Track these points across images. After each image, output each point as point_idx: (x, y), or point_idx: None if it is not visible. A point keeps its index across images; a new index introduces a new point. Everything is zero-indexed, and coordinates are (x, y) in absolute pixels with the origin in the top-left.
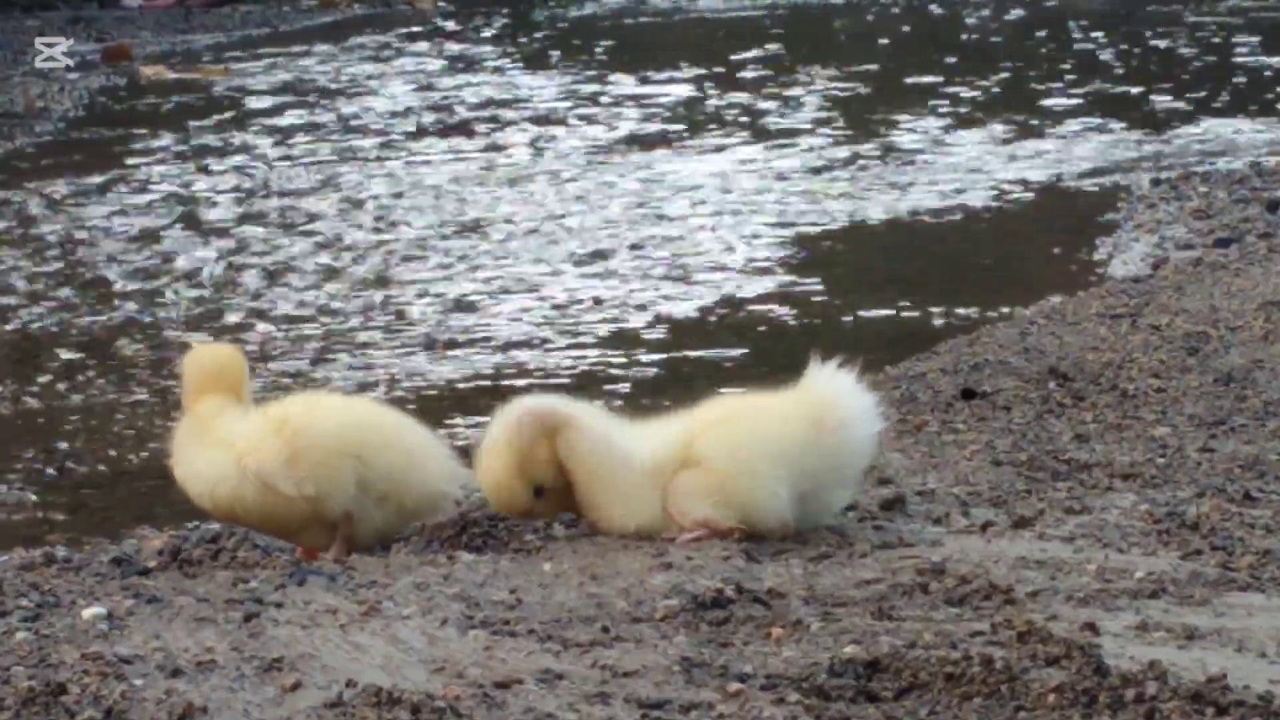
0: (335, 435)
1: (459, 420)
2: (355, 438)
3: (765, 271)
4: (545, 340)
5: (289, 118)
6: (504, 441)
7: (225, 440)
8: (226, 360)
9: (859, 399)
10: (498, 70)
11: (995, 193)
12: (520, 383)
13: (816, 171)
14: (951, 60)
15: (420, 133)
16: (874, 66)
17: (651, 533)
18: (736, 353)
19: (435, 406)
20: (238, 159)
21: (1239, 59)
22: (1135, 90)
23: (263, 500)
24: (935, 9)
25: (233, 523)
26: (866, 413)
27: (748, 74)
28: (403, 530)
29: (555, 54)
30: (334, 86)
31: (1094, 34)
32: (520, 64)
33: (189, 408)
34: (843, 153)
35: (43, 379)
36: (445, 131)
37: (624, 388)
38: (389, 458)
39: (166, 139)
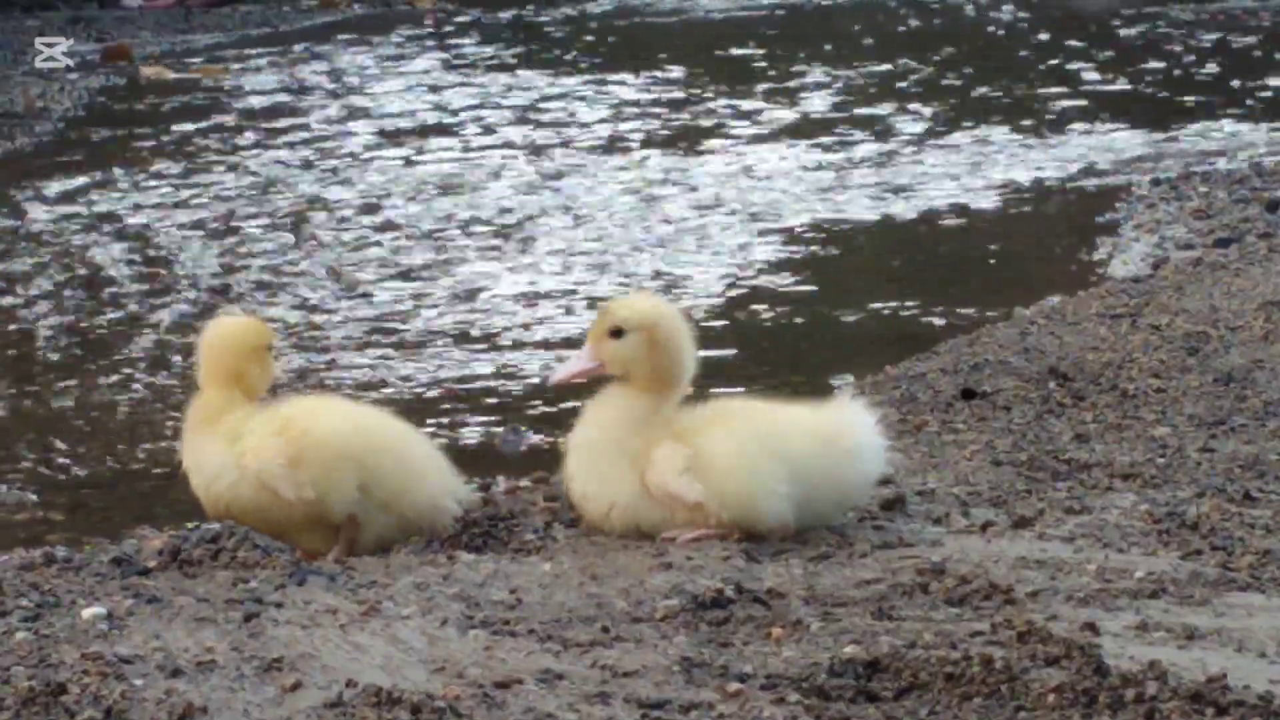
0: (339, 439)
1: (458, 421)
2: (359, 443)
3: (765, 271)
4: (545, 340)
5: (289, 118)
6: None
7: (230, 435)
8: (251, 334)
9: (874, 436)
10: (497, 70)
11: (995, 193)
12: (518, 383)
13: (817, 171)
14: (952, 60)
15: (420, 132)
16: (874, 66)
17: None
18: (736, 353)
19: (434, 407)
20: (238, 159)
21: (1239, 59)
22: (1135, 90)
23: (259, 500)
24: (936, 8)
25: (228, 519)
26: (876, 450)
27: (748, 74)
28: (401, 539)
29: (555, 54)
30: (334, 86)
31: (1094, 34)
32: (520, 63)
33: (204, 386)
34: (843, 152)
35: (43, 379)
36: (445, 131)
37: None
38: (390, 466)
39: (166, 139)
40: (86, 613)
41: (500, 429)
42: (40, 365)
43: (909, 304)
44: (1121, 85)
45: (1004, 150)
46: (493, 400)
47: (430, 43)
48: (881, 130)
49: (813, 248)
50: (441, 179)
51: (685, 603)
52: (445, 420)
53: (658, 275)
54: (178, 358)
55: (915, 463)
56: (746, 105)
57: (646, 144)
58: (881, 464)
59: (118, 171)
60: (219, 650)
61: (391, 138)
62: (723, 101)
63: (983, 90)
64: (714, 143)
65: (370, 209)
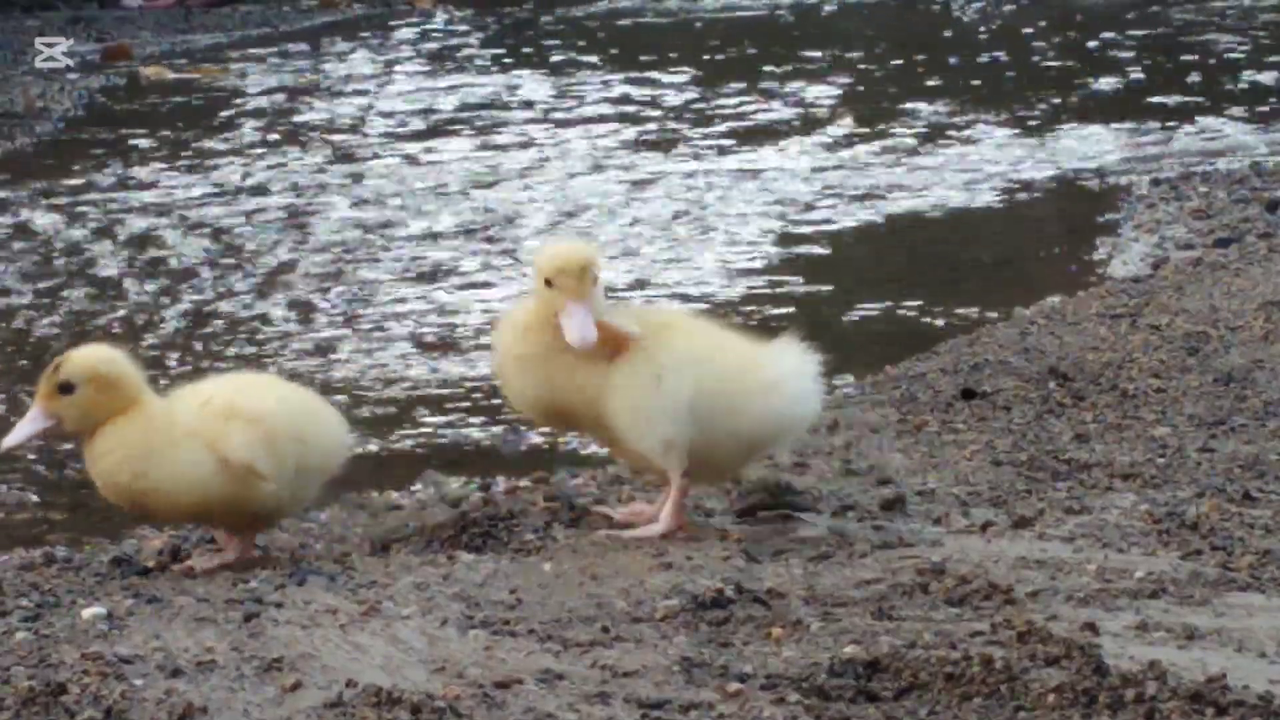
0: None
1: (458, 421)
2: (298, 419)
3: (765, 271)
4: None
5: (289, 118)
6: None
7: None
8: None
9: (804, 376)
10: (498, 70)
11: (995, 193)
12: None
13: (817, 171)
14: (952, 59)
15: (420, 133)
16: (873, 66)
17: None
18: None
19: (435, 407)
20: (237, 159)
21: (1239, 59)
22: (1136, 90)
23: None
24: (935, 7)
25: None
26: (798, 390)
27: (748, 74)
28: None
29: (555, 54)
30: (334, 86)
31: (1094, 33)
32: (520, 64)
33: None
34: (843, 152)
35: None
36: (445, 132)
37: None
38: (321, 437)
39: (166, 139)
40: (86, 613)
41: (500, 429)
42: (41, 365)
43: (909, 304)
44: (1121, 85)
45: (1003, 150)
46: (493, 400)
47: (430, 43)
48: (881, 130)
49: (813, 248)
50: (442, 179)
51: (685, 603)
52: (446, 420)
53: (657, 275)
54: (177, 357)
55: (915, 463)
56: (746, 105)
57: (646, 144)
58: (806, 408)
59: (118, 171)
60: (219, 650)
61: (392, 138)
62: (723, 101)
63: (982, 90)
64: (714, 142)
65: (371, 208)
